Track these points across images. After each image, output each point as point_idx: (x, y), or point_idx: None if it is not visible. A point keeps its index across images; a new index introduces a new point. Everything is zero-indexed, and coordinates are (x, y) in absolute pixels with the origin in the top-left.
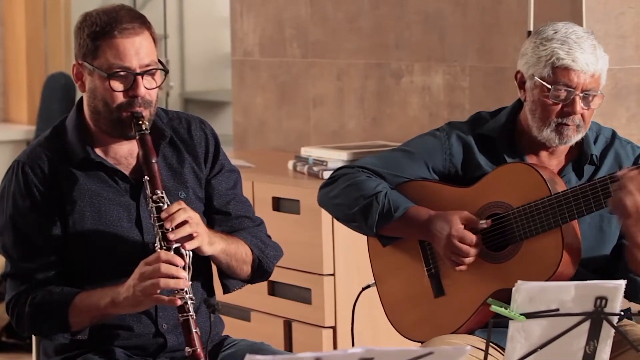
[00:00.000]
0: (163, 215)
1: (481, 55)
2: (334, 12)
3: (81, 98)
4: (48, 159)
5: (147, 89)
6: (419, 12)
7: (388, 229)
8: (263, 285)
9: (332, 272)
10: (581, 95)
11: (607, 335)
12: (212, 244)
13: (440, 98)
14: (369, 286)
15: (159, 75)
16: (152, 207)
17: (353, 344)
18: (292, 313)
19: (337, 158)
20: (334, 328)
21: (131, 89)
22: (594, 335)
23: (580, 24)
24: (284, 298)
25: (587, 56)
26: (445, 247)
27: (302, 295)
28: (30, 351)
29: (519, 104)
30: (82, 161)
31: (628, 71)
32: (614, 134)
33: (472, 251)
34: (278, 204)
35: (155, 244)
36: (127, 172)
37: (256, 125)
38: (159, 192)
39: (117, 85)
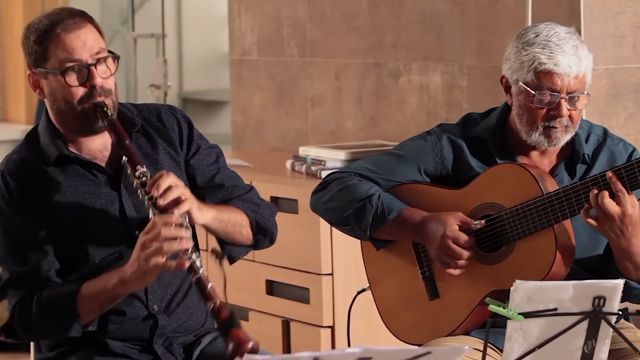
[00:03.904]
0: (148, 185)
1: (479, 55)
2: (331, 12)
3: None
4: (25, 163)
5: (102, 78)
6: (416, 12)
7: (381, 231)
8: (261, 285)
9: (330, 272)
10: (566, 97)
11: (606, 335)
12: (201, 209)
13: (439, 97)
14: (363, 290)
15: (111, 63)
16: (137, 184)
17: (349, 346)
18: (290, 313)
19: (335, 157)
20: (332, 328)
21: (87, 81)
22: (592, 335)
23: (578, 24)
24: (282, 298)
25: (569, 58)
26: (438, 248)
27: (300, 294)
28: (29, 351)
29: (509, 105)
30: (58, 159)
31: (626, 71)
32: (605, 132)
33: (465, 253)
34: (276, 204)
35: (150, 217)
36: (103, 165)
37: (254, 125)
38: (140, 167)
39: (73, 80)
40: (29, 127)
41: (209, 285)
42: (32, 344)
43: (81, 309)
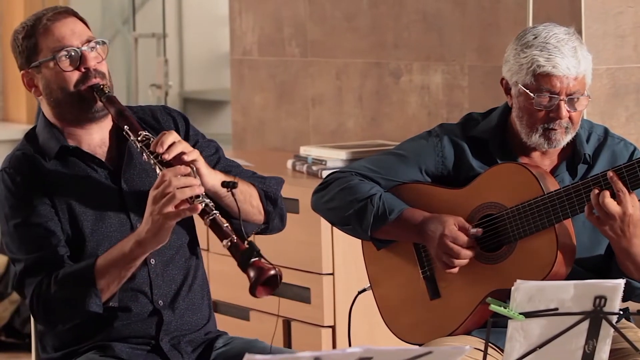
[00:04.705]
0: (152, 145)
1: (480, 55)
2: (332, 11)
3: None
4: (27, 157)
5: (96, 62)
6: (417, 12)
7: (382, 231)
8: None
9: (331, 272)
10: (566, 99)
11: (607, 335)
12: (209, 169)
13: (439, 97)
14: (364, 290)
15: (101, 49)
16: (140, 146)
17: (350, 346)
18: (291, 312)
19: (336, 157)
20: (333, 327)
21: (81, 64)
22: (593, 335)
23: (579, 23)
24: (283, 297)
25: (568, 60)
26: (437, 247)
27: (301, 294)
28: (29, 350)
29: (509, 105)
30: (59, 153)
31: (627, 70)
32: (606, 132)
33: (464, 252)
34: None
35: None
36: (103, 159)
37: (255, 125)
38: (142, 132)
39: (66, 65)
40: (30, 127)
41: (225, 225)
42: (33, 345)
43: (100, 280)
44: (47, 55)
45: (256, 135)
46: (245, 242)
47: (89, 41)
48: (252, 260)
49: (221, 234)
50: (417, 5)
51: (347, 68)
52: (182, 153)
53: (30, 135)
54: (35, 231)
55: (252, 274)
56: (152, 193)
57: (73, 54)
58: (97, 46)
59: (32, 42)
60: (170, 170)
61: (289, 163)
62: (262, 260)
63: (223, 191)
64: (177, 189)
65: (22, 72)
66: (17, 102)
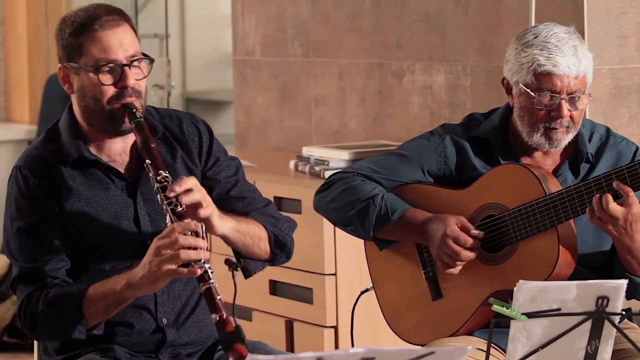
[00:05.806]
0: (169, 189)
1: (482, 55)
2: (335, 12)
3: (71, 101)
4: (44, 160)
5: (135, 80)
6: (420, 12)
7: (385, 232)
8: (265, 285)
9: (333, 272)
10: (567, 98)
11: (609, 335)
12: (221, 218)
13: (442, 97)
14: (367, 290)
15: (144, 66)
16: (157, 187)
17: (353, 346)
18: (293, 313)
19: (338, 158)
20: (335, 328)
21: (120, 81)
22: (595, 335)
23: (582, 24)
24: (286, 297)
25: (568, 59)
26: (438, 247)
27: (303, 294)
28: (32, 351)
29: (511, 105)
30: (77, 160)
31: (629, 71)
32: (608, 131)
33: (464, 253)
34: (279, 204)
35: (167, 222)
36: (122, 170)
37: (258, 125)
38: (162, 172)
39: (106, 79)
40: (33, 128)
41: (218, 298)
42: (35, 345)
43: (87, 310)
44: (89, 62)
45: (259, 136)
46: (233, 324)
47: (134, 55)
48: (235, 345)
49: (212, 306)
50: (419, 6)
51: (349, 68)
52: (198, 204)
53: (52, 133)
54: (36, 241)
55: (231, 359)
56: (157, 243)
57: (115, 69)
58: (142, 62)
59: (78, 41)
60: (180, 225)
61: (292, 163)
62: (245, 347)
63: (232, 236)
64: (182, 248)
65: (60, 65)
66: (19, 103)
